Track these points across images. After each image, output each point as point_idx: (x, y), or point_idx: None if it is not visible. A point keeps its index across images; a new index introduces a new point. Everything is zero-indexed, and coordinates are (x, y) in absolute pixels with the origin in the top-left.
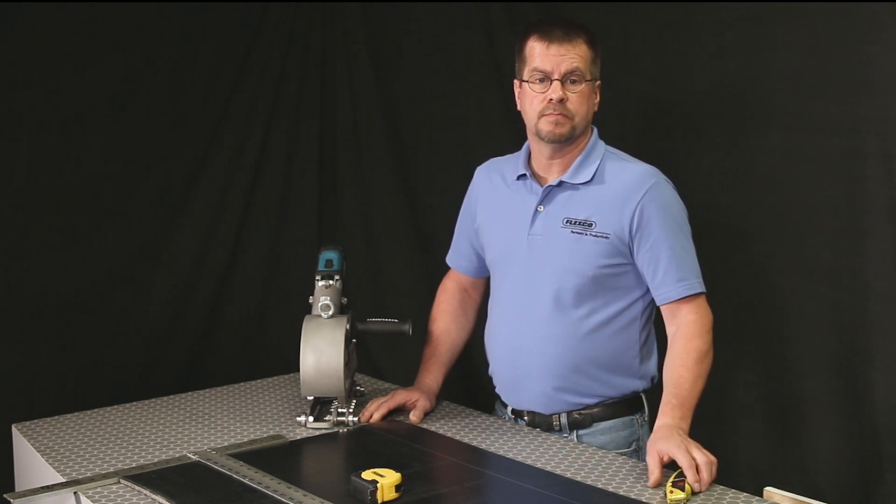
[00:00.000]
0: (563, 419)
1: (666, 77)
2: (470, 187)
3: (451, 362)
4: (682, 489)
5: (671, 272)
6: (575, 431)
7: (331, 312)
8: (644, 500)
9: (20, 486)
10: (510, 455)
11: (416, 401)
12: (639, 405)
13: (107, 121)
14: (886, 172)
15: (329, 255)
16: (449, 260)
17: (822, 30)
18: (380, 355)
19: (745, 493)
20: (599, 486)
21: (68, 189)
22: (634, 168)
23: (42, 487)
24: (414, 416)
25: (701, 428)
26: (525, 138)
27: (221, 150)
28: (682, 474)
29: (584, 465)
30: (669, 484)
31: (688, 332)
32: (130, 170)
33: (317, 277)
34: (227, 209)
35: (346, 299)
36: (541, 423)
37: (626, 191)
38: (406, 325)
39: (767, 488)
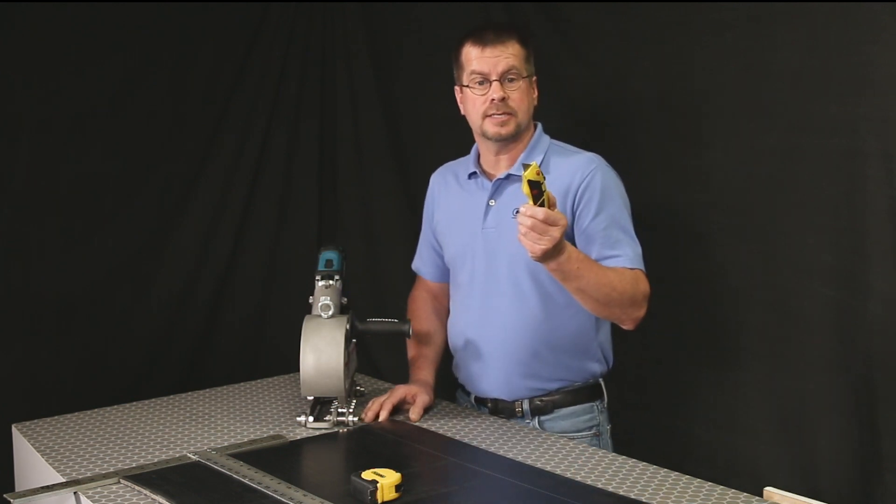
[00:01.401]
0: (526, 405)
1: (666, 77)
2: (427, 193)
3: (437, 360)
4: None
5: (605, 250)
6: (537, 417)
7: (331, 312)
8: (644, 500)
9: (20, 486)
10: (510, 455)
11: (415, 395)
12: (598, 393)
13: (107, 121)
14: (886, 172)
15: (329, 255)
16: (414, 265)
17: (822, 30)
18: (380, 355)
19: (745, 493)
20: (599, 485)
21: (68, 189)
22: (577, 156)
23: (42, 487)
24: (413, 415)
25: (701, 427)
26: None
27: (221, 150)
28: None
29: (584, 465)
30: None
31: (628, 271)
32: (130, 170)
33: (317, 277)
34: (227, 209)
35: (346, 299)
36: (504, 409)
37: (569, 176)
38: (406, 325)
39: (767, 488)
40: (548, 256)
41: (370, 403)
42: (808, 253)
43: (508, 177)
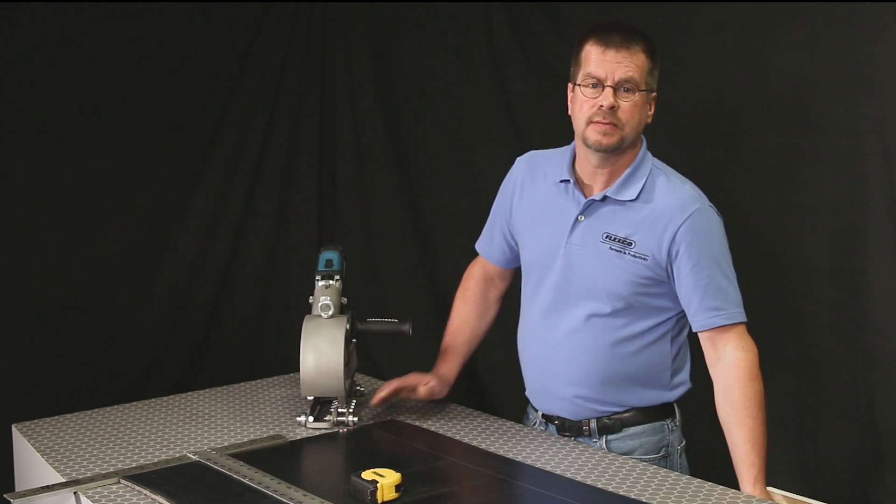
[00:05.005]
0: (593, 424)
1: (666, 77)
2: (508, 177)
3: (468, 353)
4: None
5: (707, 300)
6: (605, 437)
7: (331, 312)
8: (644, 500)
9: (20, 486)
10: (510, 455)
11: (428, 382)
12: (669, 411)
13: (107, 121)
14: (886, 172)
15: (329, 255)
16: (479, 246)
17: (822, 30)
18: (380, 355)
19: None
20: (599, 485)
21: (68, 189)
22: (680, 191)
23: (42, 487)
24: (422, 388)
25: (701, 427)
26: (527, 140)
27: (221, 150)
28: None
29: (583, 465)
30: None
31: (741, 374)
32: (130, 170)
33: (317, 277)
34: (227, 209)
35: (346, 299)
36: (570, 428)
37: (669, 214)
38: (406, 325)
39: (767, 488)
40: None
41: (380, 388)
42: (808, 253)
43: (604, 198)
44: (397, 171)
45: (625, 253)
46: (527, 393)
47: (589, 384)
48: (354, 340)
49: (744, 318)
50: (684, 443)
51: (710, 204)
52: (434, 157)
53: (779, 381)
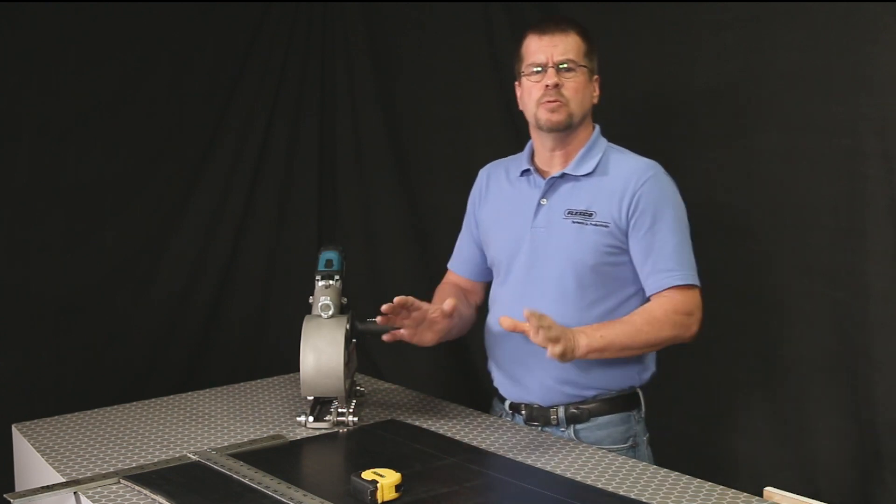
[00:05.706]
0: (561, 413)
1: (666, 77)
2: (474, 188)
3: (458, 327)
4: None
5: (661, 261)
6: (572, 426)
7: (331, 312)
8: (644, 500)
9: (20, 486)
10: (510, 455)
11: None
12: (635, 402)
13: (107, 121)
14: (886, 172)
15: (329, 255)
16: (450, 264)
17: (822, 30)
18: (380, 355)
19: (745, 493)
20: (599, 485)
21: (69, 189)
22: (635, 161)
23: (42, 487)
24: (446, 306)
25: (701, 427)
26: (527, 139)
27: (221, 150)
28: None
29: (583, 465)
30: None
31: (667, 304)
32: (131, 170)
33: (317, 277)
34: (227, 209)
35: (346, 299)
36: (539, 416)
37: (625, 181)
38: None
39: (767, 488)
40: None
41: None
42: (808, 253)
43: (563, 176)
44: (397, 171)
45: (586, 224)
46: (495, 384)
47: (559, 364)
48: (354, 340)
49: (697, 282)
50: (648, 434)
51: (666, 172)
52: (434, 157)
53: (778, 382)
